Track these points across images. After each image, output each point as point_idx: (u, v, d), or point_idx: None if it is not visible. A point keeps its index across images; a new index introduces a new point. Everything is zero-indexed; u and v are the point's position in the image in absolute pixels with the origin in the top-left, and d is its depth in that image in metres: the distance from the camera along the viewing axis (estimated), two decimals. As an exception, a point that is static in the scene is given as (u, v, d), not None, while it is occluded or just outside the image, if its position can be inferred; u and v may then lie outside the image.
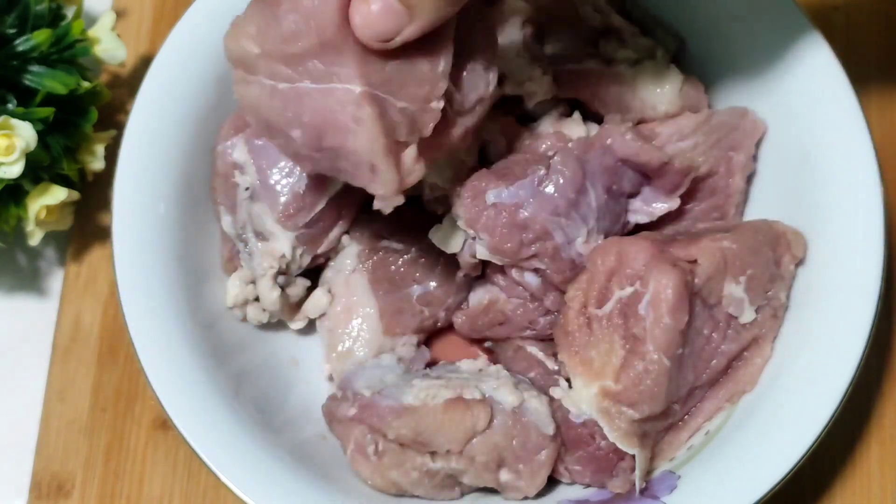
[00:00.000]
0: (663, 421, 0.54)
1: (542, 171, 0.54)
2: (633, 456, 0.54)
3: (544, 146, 0.56)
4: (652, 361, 0.51)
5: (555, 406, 0.55)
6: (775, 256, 0.56)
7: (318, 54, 0.46)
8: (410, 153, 0.48)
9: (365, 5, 0.44)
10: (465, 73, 0.50)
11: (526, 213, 0.54)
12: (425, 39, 0.46)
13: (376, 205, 0.49)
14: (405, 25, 0.44)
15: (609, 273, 0.53)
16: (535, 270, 0.56)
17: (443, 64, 0.48)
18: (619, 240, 0.54)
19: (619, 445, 0.53)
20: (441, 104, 0.48)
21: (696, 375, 0.54)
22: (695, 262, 0.53)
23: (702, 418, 0.56)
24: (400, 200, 0.48)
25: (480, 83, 0.51)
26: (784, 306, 0.56)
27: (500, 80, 0.58)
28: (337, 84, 0.46)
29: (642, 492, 0.54)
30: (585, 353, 0.54)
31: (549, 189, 0.54)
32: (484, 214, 0.54)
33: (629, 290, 0.52)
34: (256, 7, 0.47)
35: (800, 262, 0.56)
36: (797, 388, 0.54)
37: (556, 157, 0.55)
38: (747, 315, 0.55)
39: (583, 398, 0.53)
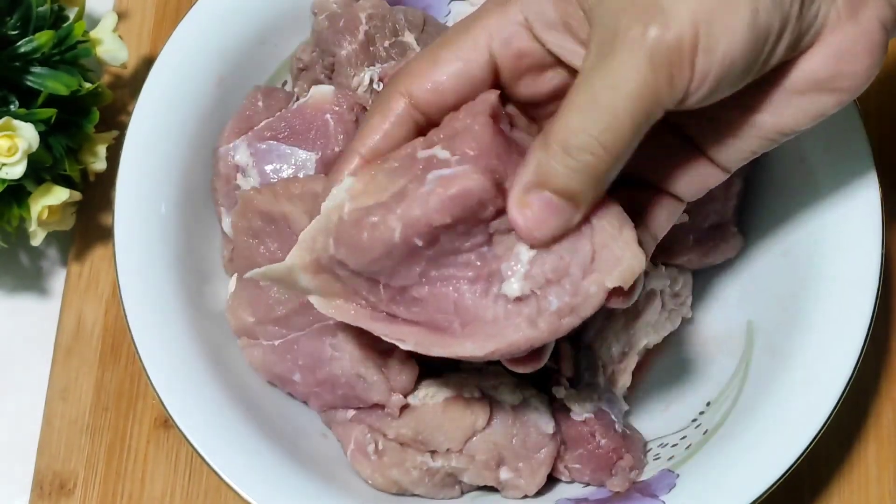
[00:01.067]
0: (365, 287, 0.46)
1: None
2: (632, 455, 0.55)
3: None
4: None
5: (555, 405, 0.55)
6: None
7: (300, 311, 0.54)
8: (398, 356, 0.53)
9: (526, 210, 0.41)
10: None
11: None
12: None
13: (387, 411, 0.54)
14: (574, 215, 0.42)
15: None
16: None
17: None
18: None
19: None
20: None
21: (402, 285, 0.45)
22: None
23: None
24: (402, 401, 0.53)
25: None
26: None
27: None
28: (316, 324, 0.53)
29: (640, 490, 0.54)
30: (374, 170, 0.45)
31: None
32: None
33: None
34: (244, 283, 0.56)
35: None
36: (795, 387, 0.54)
37: None
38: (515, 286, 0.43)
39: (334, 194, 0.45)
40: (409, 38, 0.60)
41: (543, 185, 0.41)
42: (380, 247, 0.43)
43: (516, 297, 0.42)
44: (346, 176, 0.45)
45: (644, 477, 0.55)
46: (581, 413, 0.55)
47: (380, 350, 0.54)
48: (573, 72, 0.44)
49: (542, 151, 0.41)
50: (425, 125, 0.46)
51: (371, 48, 0.59)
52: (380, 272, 0.44)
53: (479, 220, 0.42)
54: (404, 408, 0.54)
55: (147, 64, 0.69)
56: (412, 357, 0.54)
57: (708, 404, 0.58)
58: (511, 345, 0.42)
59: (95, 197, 0.67)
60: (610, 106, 0.40)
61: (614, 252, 0.41)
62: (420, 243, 0.42)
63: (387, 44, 0.59)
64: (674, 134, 0.47)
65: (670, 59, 0.39)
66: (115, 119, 0.69)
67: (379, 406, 0.54)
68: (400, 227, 0.42)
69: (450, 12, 0.65)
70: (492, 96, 0.45)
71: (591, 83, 0.40)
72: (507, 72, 0.46)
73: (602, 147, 0.40)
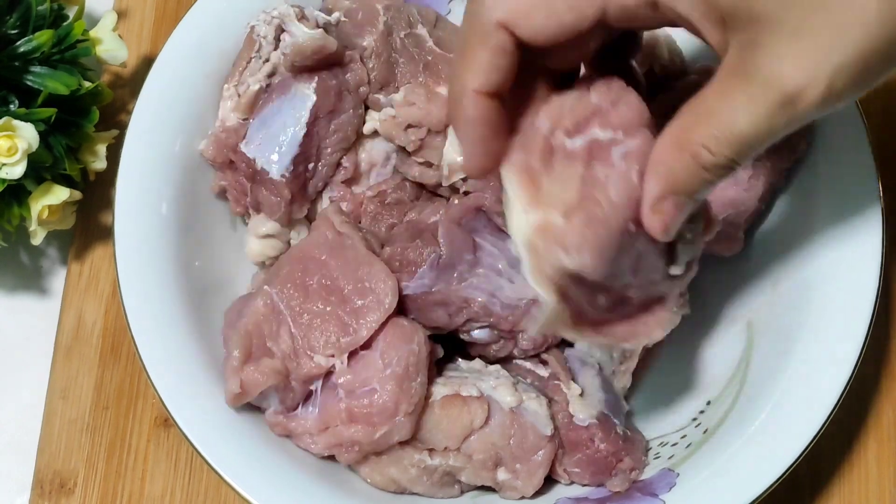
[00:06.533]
0: (587, 299, 0.47)
1: (434, 253, 0.55)
2: (632, 457, 0.55)
3: (433, 219, 0.57)
4: (613, 210, 0.44)
5: (554, 409, 0.55)
6: None
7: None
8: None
9: (659, 216, 0.43)
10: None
11: (440, 295, 0.55)
12: None
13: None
14: (694, 206, 0.44)
15: (596, 109, 0.46)
16: (482, 328, 0.57)
17: None
18: (623, 87, 0.46)
19: (534, 285, 0.45)
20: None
21: (623, 285, 0.48)
22: None
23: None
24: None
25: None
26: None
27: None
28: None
29: (640, 489, 0.54)
30: (537, 177, 0.45)
31: (446, 263, 0.55)
32: (408, 307, 0.56)
33: (609, 134, 0.45)
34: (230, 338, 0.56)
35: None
36: (795, 386, 0.54)
37: (439, 231, 0.55)
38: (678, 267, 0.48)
39: (516, 222, 0.45)
40: (422, 30, 0.61)
41: (674, 192, 0.42)
42: (615, 239, 0.44)
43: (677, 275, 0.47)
44: (511, 197, 0.45)
45: (644, 476, 0.55)
46: (585, 419, 0.55)
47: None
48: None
49: (676, 162, 0.42)
50: (521, 61, 0.44)
51: (389, 38, 0.60)
52: (612, 275, 0.45)
53: None
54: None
55: (147, 63, 0.70)
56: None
57: (708, 403, 0.58)
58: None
59: (95, 196, 0.67)
60: (753, 133, 0.40)
61: None
62: (633, 227, 0.44)
63: (403, 34, 0.61)
64: None
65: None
66: (115, 118, 0.69)
67: None
68: (617, 215, 0.43)
69: (450, 11, 0.65)
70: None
71: (732, 102, 0.40)
72: (616, 11, 0.43)
73: (736, 163, 0.41)
